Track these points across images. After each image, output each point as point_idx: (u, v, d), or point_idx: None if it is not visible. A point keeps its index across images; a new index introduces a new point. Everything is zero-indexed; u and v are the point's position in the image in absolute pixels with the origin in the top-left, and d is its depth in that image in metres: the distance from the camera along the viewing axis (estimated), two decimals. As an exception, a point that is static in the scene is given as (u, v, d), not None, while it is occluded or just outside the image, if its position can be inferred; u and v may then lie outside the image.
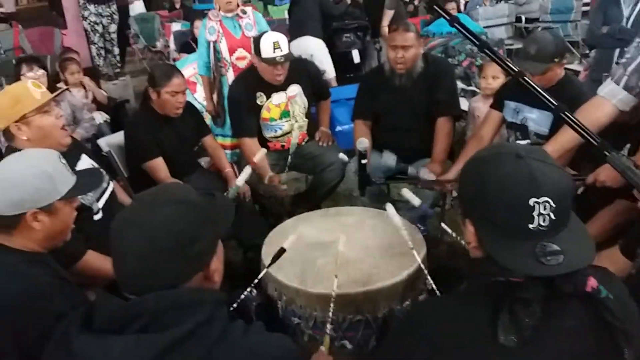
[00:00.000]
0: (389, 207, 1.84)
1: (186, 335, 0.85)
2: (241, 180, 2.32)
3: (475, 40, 1.50)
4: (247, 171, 2.34)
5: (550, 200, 0.85)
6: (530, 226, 0.85)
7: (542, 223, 0.85)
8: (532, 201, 0.85)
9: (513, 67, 1.48)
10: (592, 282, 0.86)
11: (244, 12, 3.25)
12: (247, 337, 0.92)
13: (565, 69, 2.39)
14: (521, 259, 0.85)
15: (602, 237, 1.88)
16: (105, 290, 0.96)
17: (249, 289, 1.64)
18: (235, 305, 1.62)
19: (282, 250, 1.70)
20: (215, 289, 1.00)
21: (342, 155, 2.70)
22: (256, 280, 1.69)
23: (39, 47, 6.79)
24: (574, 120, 1.41)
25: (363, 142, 2.21)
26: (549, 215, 0.85)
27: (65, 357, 0.87)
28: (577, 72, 3.96)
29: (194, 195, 0.99)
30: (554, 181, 0.87)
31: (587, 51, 4.76)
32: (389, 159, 2.43)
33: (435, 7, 1.51)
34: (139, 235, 0.90)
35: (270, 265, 1.69)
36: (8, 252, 1.27)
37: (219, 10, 3.22)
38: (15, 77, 3.23)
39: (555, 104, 1.42)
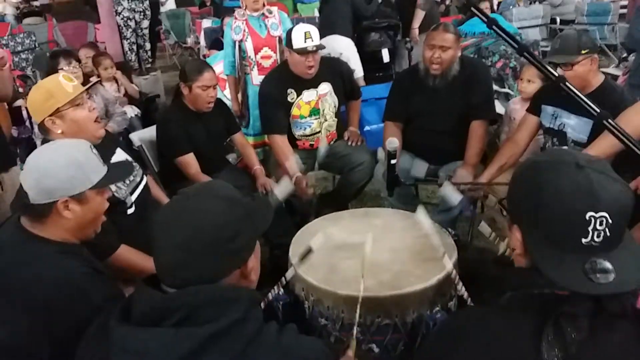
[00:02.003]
0: (420, 211, 1.81)
1: (223, 331, 0.86)
2: (281, 194, 2.31)
3: (513, 44, 1.46)
4: (287, 185, 2.32)
5: (607, 216, 0.81)
6: (584, 240, 0.82)
7: (595, 238, 0.82)
8: (589, 215, 0.81)
9: (553, 72, 1.44)
10: None
11: (270, 12, 3.27)
12: (281, 338, 0.93)
13: (604, 73, 2.32)
14: (569, 273, 0.82)
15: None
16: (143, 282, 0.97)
17: (276, 288, 1.64)
18: (262, 304, 1.62)
19: (309, 250, 1.69)
20: (251, 288, 1.00)
21: (380, 152, 2.66)
22: (284, 280, 1.68)
23: (72, 41, 6.93)
24: (618, 128, 1.36)
25: (393, 142, 2.18)
26: (604, 231, 0.82)
27: (105, 348, 0.88)
28: (615, 77, 3.85)
29: (237, 194, 1.02)
30: (615, 196, 0.83)
31: (625, 54, 4.62)
32: (420, 167, 2.39)
33: (472, 8, 1.47)
34: (183, 226, 0.92)
35: (297, 264, 1.69)
36: (44, 243, 1.29)
37: (245, 9, 3.24)
38: (52, 70, 3.27)
39: (598, 110, 1.38)
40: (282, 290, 1.73)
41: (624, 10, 6.67)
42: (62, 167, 1.30)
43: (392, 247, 1.88)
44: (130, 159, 2.08)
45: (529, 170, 0.92)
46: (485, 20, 1.40)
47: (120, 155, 2.02)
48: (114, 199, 1.84)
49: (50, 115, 1.79)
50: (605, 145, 1.81)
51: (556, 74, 1.39)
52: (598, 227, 0.81)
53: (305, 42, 2.62)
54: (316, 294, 1.72)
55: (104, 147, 1.92)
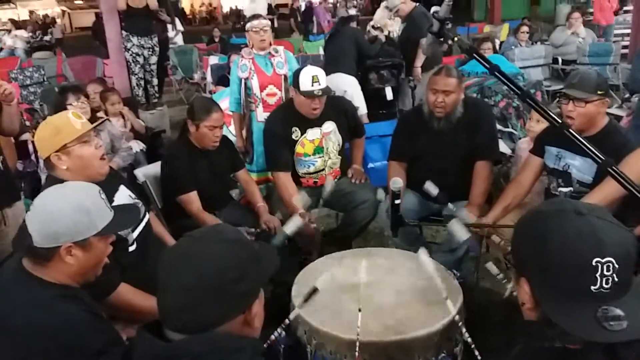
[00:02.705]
0: (422, 253, 1.79)
1: None
2: (290, 229, 2.30)
3: (516, 90, 1.46)
4: (296, 221, 2.32)
5: (613, 261, 0.81)
6: (593, 288, 0.81)
7: (604, 285, 0.81)
8: (595, 261, 0.81)
9: (557, 119, 1.43)
10: None
11: (276, 51, 3.34)
12: None
13: (608, 114, 2.34)
14: (582, 322, 0.80)
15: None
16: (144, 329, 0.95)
17: (279, 330, 1.60)
18: (265, 346, 1.58)
19: (314, 290, 1.66)
20: (254, 337, 0.98)
21: (380, 192, 2.66)
22: (287, 321, 1.64)
23: (81, 76, 7.06)
24: (622, 175, 1.35)
25: (397, 182, 2.18)
26: (612, 277, 0.81)
27: None
28: (618, 117, 3.87)
29: (244, 237, 1.02)
30: (618, 242, 0.83)
31: (628, 95, 4.66)
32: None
33: (474, 55, 1.48)
34: (189, 268, 0.92)
35: (301, 305, 1.65)
36: (44, 286, 1.27)
37: (252, 48, 3.31)
38: (60, 105, 3.31)
39: (603, 158, 1.36)
40: (283, 332, 1.69)
41: (626, 51, 6.77)
42: (68, 213, 1.29)
43: (397, 290, 1.85)
44: (133, 195, 2.08)
45: (532, 221, 0.92)
46: (488, 67, 1.41)
47: (123, 193, 2.01)
48: (116, 236, 1.82)
49: (57, 151, 1.79)
50: (609, 190, 1.81)
51: (559, 121, 1.39)
52: (605, 272, 0.81)
53: (312, 85, 2.65)
54: (318, 337, 1.69)
55: (108, 184, 1.91)
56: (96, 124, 1.97)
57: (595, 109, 2.14)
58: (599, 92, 2.12)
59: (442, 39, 1.59)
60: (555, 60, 6.50)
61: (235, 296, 0.93)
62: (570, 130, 1.37)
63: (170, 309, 0.92)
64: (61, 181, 1.73)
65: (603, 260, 0.81)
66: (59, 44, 9.42)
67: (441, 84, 2.55)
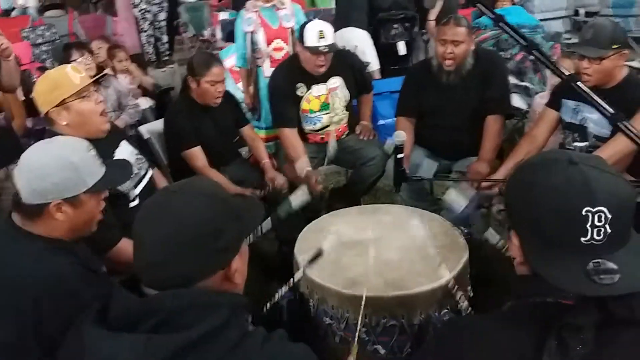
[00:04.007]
0: (416, 218, 1.75)
1: (199, 339, 0.81)
2: (296, 201, 2.26)
3: (522, 41, 1.38)
4: (304, 195, 2.27)
5: (605, 211, 0.76)
6: (583, 240, 0.76)
7: (596, 237, 0.76)
8: (585, 211, 0.76)
9: (564, 72, 1.36)
10: None
11: (282, 3, 3.22)
12: (266, 347, 0.87)
13: (629, 67, 2.22)
14: (571, 275, 0.76)
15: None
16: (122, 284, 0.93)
17: (282, 291, 1.60)
18: (268, 306, 1.59)
19: (319, 252, 1.65)
20: (235, 292, 0.95)
21: (388, 142, 2.60)
22: (291, 282, 1.64)
23: (91, 34, 6.97)
24: (632, 131, 1.28)
25: (400, 135, 2.11)
26: (604, 227, 0.76)
27: (78, 350, 0.85)
28: (640, 70, 3.71)
29: (222, 191, 0.98)
30: (611, 190, 0.78)
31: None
32: (428, 167, 2.31)
33: (478, 5, 1.40)
34: (163, 222, 0.88)
35: (307, 266, 1.65)
36: (32, 239, 1.26)
37: (257, 0, 3.18)
38: (65, 62, 3.28)
39: (612, 112, 1.29)
40: (287, 288, 1.69)
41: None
42: (55, 169, 1.26)
43: (401, 246, 1.82)
44: (136, 151, 2.06)
45: (521, 172, 0.88)
46: (492, 16, 1.33)
47: (124, 149, 1.99)
48: (117, 191, 1.82)
49: (56, 106, 1.77)
50: (621, 145, 1.73)
51: (566, 73, 1.31)
52: (597, 223, 0.76)
53: (318, 41, 2.55)
54: (321, 292, 1.68)
55: (108, 140, 1.90)
56: (94, 78, 1.94)
57: (612, 64, 2.03)
58: (614, 46, 2.00)
59: None
60: (577, 12, 6.24)
61: (212, 252, 0.89)
62: (578, 83, 1.29)
63: (145, 264, 0.89)
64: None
65: (594, 210, 0.76)
66: (70, 2, 9.28)
67: (450, 33, 2.44)
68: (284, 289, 1.68)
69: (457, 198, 2.11)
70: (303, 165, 2.55)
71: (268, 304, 1.66)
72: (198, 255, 0.88)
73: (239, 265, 0.94)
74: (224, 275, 0.92)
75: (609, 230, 0.76)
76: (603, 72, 2.04)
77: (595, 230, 0.76)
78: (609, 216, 0.76)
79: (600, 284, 0.74)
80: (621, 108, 1.57)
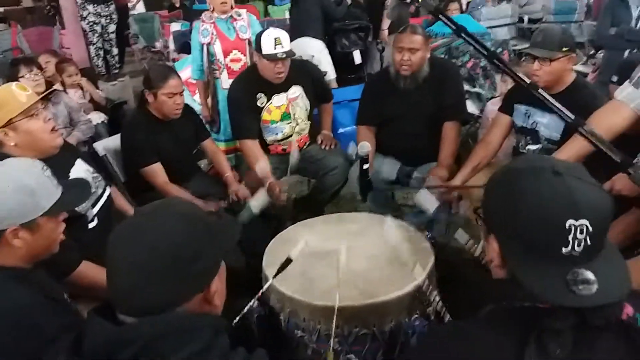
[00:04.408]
0: (388, 221, 1.77)
1: None
2: (256, 207, 2.23)
3: (483, 51, 1.43)
4: (263, 197, 2.25)
5: (587, 224, 0.78)
6: (564, 250, 0.78)
7: (576, 248, 0.78)
8: (569, 223, 0.78)
9: (525, 79, 1.41)
10: (628, 310, 0.79)
11: (239, 15, 3.21)
12: None
13: (575, 71, 2.33)
14: (550, 285, 0.78)
15: (618, 247, 1.82)
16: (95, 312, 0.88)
17: (251, 303, 1.57)
18: (236, 320, 1.56)
19: (288, 261, 1.63)
20: (215, 314, 0.93)
21: (351, 146, 2.62)
22: (259, 294, 1.62)
23: (37, 47, 6.70)
24: (594, 134, 1.34)
25: (364, 147, 2.15)
26: (585, 239, 0.78)
27: None
28: (584, 74, 3.90)
29: (199, 211, 0.94)
30: (594, 203, 0.80)
31: (593, 52, 4.70)
32: (390, 169, 2.35)
33: (440, 16, 1.43)
34: (139, 247, 0.84)
35: (275, 276, 1.63)
36: None
37: (213, 11, 3.17)
38: (13, 78, 3.14)
39: (572, 117, 1.35)
40: (256, 302, 1.67)
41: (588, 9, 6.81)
42: (10, 194, 1.20)
43: (368, 254, 1.84)
44: (91, 170, 1.98)
45: (505, 178, 0.88)
46: (454, 28, 1.37)
47: (80, 167, 1.92)
48: (74, 212, 1.75)
49: (2, 127, 1.68)
50: (577, 147, 1.81)
51: (528, 81, 1.36)
52: (578, 235, 0.78)
53: (275, 48, 2.55)
54: (291, 305, 1.67)
55: (63, 159, 1.83)
56: (42, 95, 1.85)
57: (561, 66, 2.12)
58: (563, 49, 2.10)
59: (407, 1, 1.54)
60: (521, 19, 6.51)
61: (191, 275, 0.86)
62: (539, 90, 1.34)
63: (120, 290, 0.85)
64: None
65: (577, 223, 0.78)
66: (13, 16, 8.92)
67: (406, 41, 2.49)
68: (254, 301, 1.65)
69: (428, 198, 2.15)
70: (262, 166, 2.52)
71: (237, 318, 1.63)
72: (176, 279, 0.84)
73: (218, 286, 0.91)
74: (203, 298, 0.89)
75: (588, 243, 0.78)
76: (552, 73, 2.12)
77: (576, 242, 0.78)
78: (590, 229, 0.78)
79: (579, 295, 0.76)
80: (571, 111, 1.65)
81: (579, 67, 4.39)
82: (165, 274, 0.83)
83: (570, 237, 0.78)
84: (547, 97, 1.32)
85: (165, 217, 0.89)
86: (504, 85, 2.91)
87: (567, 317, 0.77)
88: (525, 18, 6.49)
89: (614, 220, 1.91)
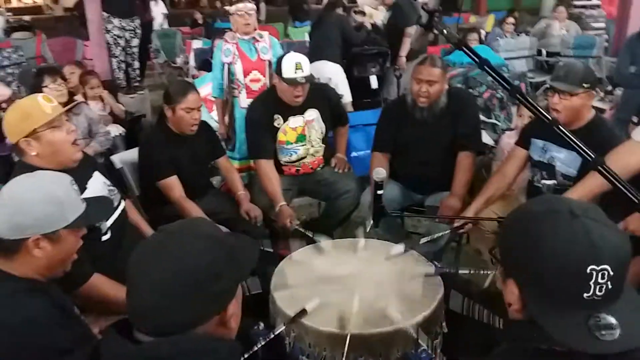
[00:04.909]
0: (399, 248, 1.77)
1: None
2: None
3: (506, 85, 1.43)
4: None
5: (609, 269, 0.77)
6: (586, 295, 0.77)
7: (598, 292, 0.77)
8: (590, 269, 0.77)
9: (547, 115, 1.41)
10: None
11: (261, 36, 3.28)
12: None
13: (594, 107, 2.33)
14: (573, 330, 0.77)
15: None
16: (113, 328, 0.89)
17: (260, 345, 1.55)
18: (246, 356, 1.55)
19: (303, 312, 1.62)
20: (230, 338, 0.93)
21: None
22: (272, 334, 1.61)
23: (60, 57, 6.86)
24: (612, 174, 1.33)
25: (380, 173, 2.15)
26: (606, 284, 0.77)
27: None
28: (601, 110, 3.89)
29: (221, 233, 0.96)
30: (614, 247, 0.79)
31: (610, 88, 4.69)
32: (402, 196, 2.35)
33: (463, 48, 1.44)
34: (162, 267, 0.85)
35: (288, 324, 1.62)
36: (7, 280, 1.21)
37: (236, 32, 3.23)
38: (37, 87, 3.21)
39: (593, 156, 1.34)
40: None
41: (607, 43, 6.81)
42: (38, 204, 1.23)
43: (377, 281, 1.82)
44: (108, 182, 2.01)
45: (522, 221, 0.88)
46: (477, 61, 1.37)
47: (97, 179, 1.95)
48: (88, 225, 1.77)
49: (26, 137, 1.72)
50: (594, 185, 1.80)
51: (549, 117, 1.36)
52: (600, 280, 0.77)
53: (295, 72, 2.59)
54: (297, 329, 1.66)
55: (81, 170, 1.85)
56: (67, 107, 1.90)
57: (581, 102, 2.13)
58: (584, 85, 2.10)
59: (431, 31, 1.55)
60: (539, 52, 6.53)
61: (210, 297, 0.86)
62: (560, 126, 1.34)
63: (140, 309, 0.86)
64: (31, 167, 1.66)
65: (598, 268, 0.77)
66: (39, 25, 9.15)
67: (425, 73, 2.52)
68: (262, 343, 1.64)
69: (438, 228, 2.14)
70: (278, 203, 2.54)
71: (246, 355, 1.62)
72: (196, 300, 0.85)
73: (235, 309, 0.92)
74: (219, 320, 0.90)
75: (610, 287, 0.77)
76: (572, 109, 2.12)
77: (597, 287, 0.77)
78: (612, 273, 0.77)
79: (602, 340, 0.75)
80: (589, 149, 1.64)
81: (597, 103, 4.38)
82: (186, 295, 0.84)
83: (591, 283, 0.77)
84: (568, 133, 1.32)
85: (188, 237, 0.90)
86: (520, 119, 2.91)
87: None
88: (544, 51, 6.51)
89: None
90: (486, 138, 3.76)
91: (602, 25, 7.92)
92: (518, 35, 6.80)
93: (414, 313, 1.62)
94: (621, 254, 0.80)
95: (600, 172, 1.27)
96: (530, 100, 1.36)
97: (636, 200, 1.24)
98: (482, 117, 3.93)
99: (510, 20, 6.76)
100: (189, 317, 0.85)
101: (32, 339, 1.13)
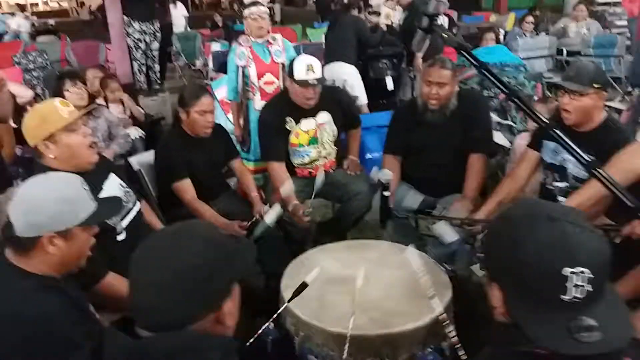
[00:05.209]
0: (410, 250, 1.78)
1: None
2: (270, 219, 2.29)
3: (503, 89, 1.44)
4: (277, 210, 2.31)
5: (586, 271, 0.78)
6: (564, 297, 0.79)
7: (577, 295, 0.79)
8: (566, 271, 0.78)
9: (543, 118, 1.41)
10: None
11: (274, 39, 3.33)
12: None
13: (608, 106, 2.30)
14: (553, 332, 0.78)
15: (637, 295, 1.77)
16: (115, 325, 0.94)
17: (266, 325, 1.60)
18: (251, 340, 1.58)
19: (303, 285, 1.66)
20: (226, 335, 0.97)
21: (374, 170, 2.65)
22: (275, 316, 1.65)
23: (83, 60, 7.02)
24: (607, 177, 1.32)
25: (386, 174, 2.17)
26: (585, 286, 0.78)
27: None
28: (619, 110, 3.83)
29: (218, 234, 1.00)
30: (592, 250, 0.80)
31: (630, 89, 4.61)
32: (413, 199, 2.36)
33: (462, 51, 1.45)
34: (158, 265, 0.91)
35: (290, 300, 1.66)
36: (24, 276, 1.28)
37: (250, 35, 3.28)
38: (58, 90, 3.31)
39: (589, 159, 1.33)
40: (272, 324, 1.70)
41: (630, 42, 6.68)
42: (51, 203, 1.29)
43: (386, 283, 1.85)
44: (124, 184, 2.07)
45: (503, 226, 0.90)
46: (476, 64, 1.39)
47: (113, 181, 2.01)
48: (104, 225, 1.83)
49: (44, 140, 1.79)
50: (591, 191, 1.79)
51: (546, 120, 1.36)
52: (578, 282, 0.78)
53: (307, 74, 2.62)
54: (306, 329, 1.69)
55: (97, 173, 1.92)
56: (83, 111, 1.96)
57: (592, 102, 2.10)
58: (595, 85, 2.08)
59: (429, 35, 1.56)
60: (559, 52, 6.43)
61: (205, 295, 0.91)
62: (556, 130, 1.34)
63: (141, 307, 0.91)
64: (49, 169, 1.73)
65: (575, 270, 0.78)
66: (63, 29, 9.38)
67: (435, 75, 2.53)
68: (269, 323, 1.68)
69: (447, 230, 2.15)
70: (287, 188, 2.57)
71: (252, 339, 1.66)
72: (194, 298, 0.90)
73: (231, 308, 0.96)
74: (216, 318, 0.94)
75: (589, 289, 0.79)
76: (582, 109, 2.10)
77: (575, 290, 0.78)
78: (591, 276, 0.78)
79: (582, 342, 0.77)
80: (598, 152, 1.63)
81: (615, 104, 4.31)
82: (183, 294, 0.89)
83: (568, 284, 0.78)
84: (563, 136, 1.32)
85: (185, 238, 0.95)
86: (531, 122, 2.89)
87: None
88: (564, 51, 6.41)
89: (632, 269, 1.88)
90: (502, 139, 3.74)
91: (625, 23, 7.76)
92: (537, 34, 6.71)
93: (422, 315, 1.64)
94: (599, 257, 0.80)
95: (594, 175, 1.27)
96: (527, 103, 1.37)
97: (631, 205, 1.24)
98: (498, 119, 3.90)
99: (530, 19, 6.68)
100: (186, 315, 0.90)
101: (47, 333, 1.18)
